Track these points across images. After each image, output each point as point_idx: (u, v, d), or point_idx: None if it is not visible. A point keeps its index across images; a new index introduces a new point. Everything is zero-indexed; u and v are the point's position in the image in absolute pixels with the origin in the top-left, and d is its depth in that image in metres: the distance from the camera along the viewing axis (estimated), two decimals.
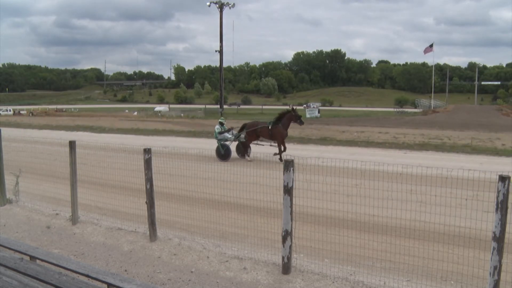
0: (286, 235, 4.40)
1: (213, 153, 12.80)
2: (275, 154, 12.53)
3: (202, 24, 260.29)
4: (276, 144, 12.82)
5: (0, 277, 3.60)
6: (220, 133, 13.18)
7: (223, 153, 12.72)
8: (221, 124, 13.47)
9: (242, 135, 13.18)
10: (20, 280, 3.57)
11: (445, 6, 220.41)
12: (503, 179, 3.46)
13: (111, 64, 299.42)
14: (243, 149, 13.22)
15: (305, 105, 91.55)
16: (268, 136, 12.94)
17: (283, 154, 12.28)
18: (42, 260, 4.06)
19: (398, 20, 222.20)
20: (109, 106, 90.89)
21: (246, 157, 12.96)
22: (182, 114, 47.78)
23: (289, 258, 4.46)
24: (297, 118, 13.04)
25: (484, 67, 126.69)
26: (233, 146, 13.39)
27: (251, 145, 13.29)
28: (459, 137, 19.59)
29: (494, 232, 3.50)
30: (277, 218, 5.09)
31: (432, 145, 16.62)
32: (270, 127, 12.83)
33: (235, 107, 70.36)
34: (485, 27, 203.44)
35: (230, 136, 13.21)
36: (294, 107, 13.86)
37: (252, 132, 13.08)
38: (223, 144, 12.93)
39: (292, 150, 12.37)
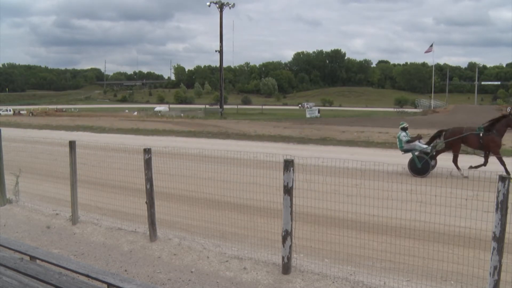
0: (286, 235, 4.40)
1: (213, 152, 12.47)
2: (473, 167, 9.70)
3: (202, 24, 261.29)
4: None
5: (0, 277, 3.60)
6: (409, 141, 10.87)
7: (420, 167, 10.21)
8: (404, 129, 11.00)
9: (440, 144, 10.65)
10: (20, 280, 3.57)
11: (444, 6, 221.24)
12: (503, 179, 3.46)
13: (111, 64, 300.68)
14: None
15: (300, 105, 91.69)
16: (477, 146, 10.44)
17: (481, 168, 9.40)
18: (42, 260, 4.06)
19: (397, 20, 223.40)
20: (109, 106, 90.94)
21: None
22: (182, 114, 47.76)
23: (289, 258, 4.46)
24: None
25: (484, 67, 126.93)
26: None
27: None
28: None
29: (494, 232, 3.50)
30: (277, 218, 5.09)
31: None
32: (481, 134, 10.26)
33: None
34: (485, 27, 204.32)
35: (424, 146, 10.75)
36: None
37: (456, 141, 10.53)
38: (420, 156, 10.37)
39: (292, 150, 12.39)
